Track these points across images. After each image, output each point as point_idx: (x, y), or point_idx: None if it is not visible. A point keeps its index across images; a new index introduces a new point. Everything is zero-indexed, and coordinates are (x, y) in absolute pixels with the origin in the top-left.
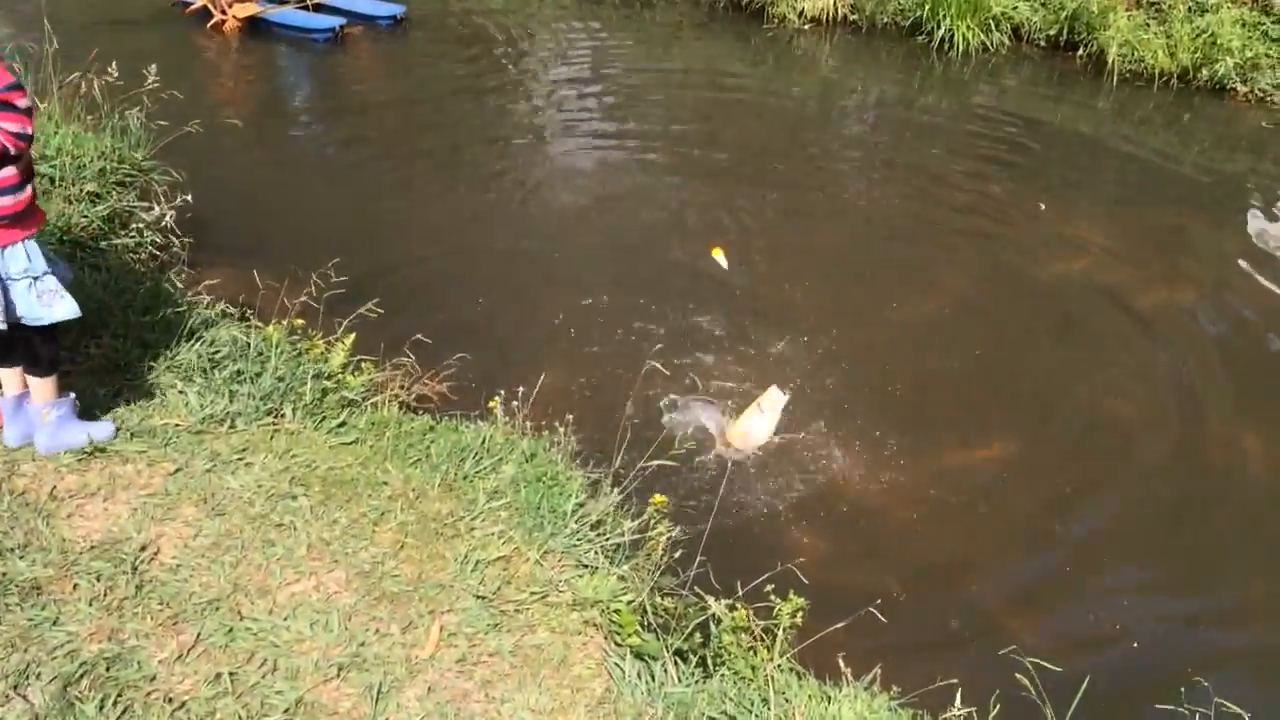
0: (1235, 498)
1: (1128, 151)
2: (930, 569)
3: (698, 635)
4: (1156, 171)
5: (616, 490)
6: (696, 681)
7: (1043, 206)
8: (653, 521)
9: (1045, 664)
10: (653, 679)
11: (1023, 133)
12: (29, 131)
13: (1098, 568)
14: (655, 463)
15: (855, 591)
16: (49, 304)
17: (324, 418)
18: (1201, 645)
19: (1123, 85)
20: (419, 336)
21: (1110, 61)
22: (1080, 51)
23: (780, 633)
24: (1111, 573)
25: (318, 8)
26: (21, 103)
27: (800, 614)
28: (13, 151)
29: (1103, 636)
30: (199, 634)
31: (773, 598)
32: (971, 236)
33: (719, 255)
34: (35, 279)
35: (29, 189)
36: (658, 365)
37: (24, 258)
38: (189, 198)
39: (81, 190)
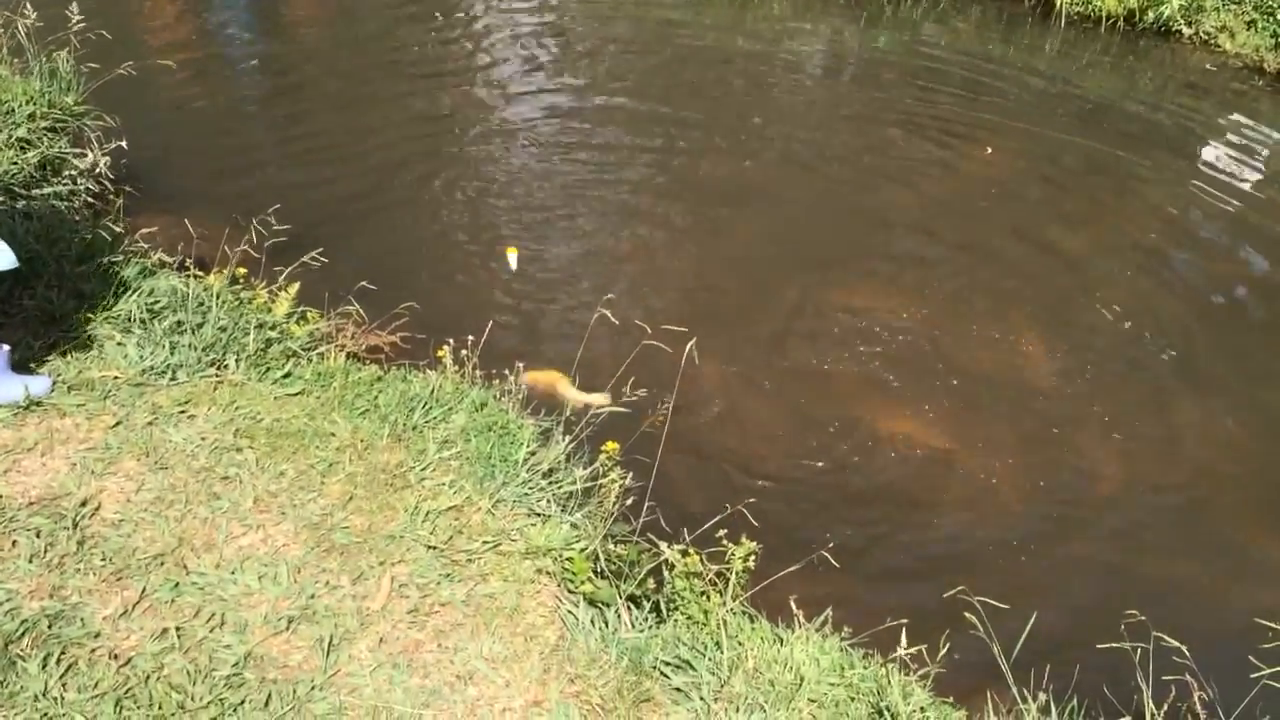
0: (1183, 451)
1: (1075, 93)
2: (881, 513)
3: (651, 581)
4: (1102, 111)
5: (568, 439)
6: (650, 627)
7: (989, 150)
8: (604, 469)
9: (993, 603)
10: (606, 626)
11: (971, 75)
12: None
13: (1043, 512)
14: (605, 409)
15: (807, 535)
16: None
17: (268, 369)
18: (1140, 583)
19: (1070, 28)
20: (365, 284)
21: (1058, 4)
22: None
23: (733, 577)
24: (1056, 516)
25: None
26: None
27: (752, 558)
28: None
29: (1049, 577)
30: (144, 589)
31: (725, 543)
32: (918, 177)
33: (511, 255)
34: None
35: None
36: (608, 314)
37: None
38: (123, 143)
39: (10, 136)
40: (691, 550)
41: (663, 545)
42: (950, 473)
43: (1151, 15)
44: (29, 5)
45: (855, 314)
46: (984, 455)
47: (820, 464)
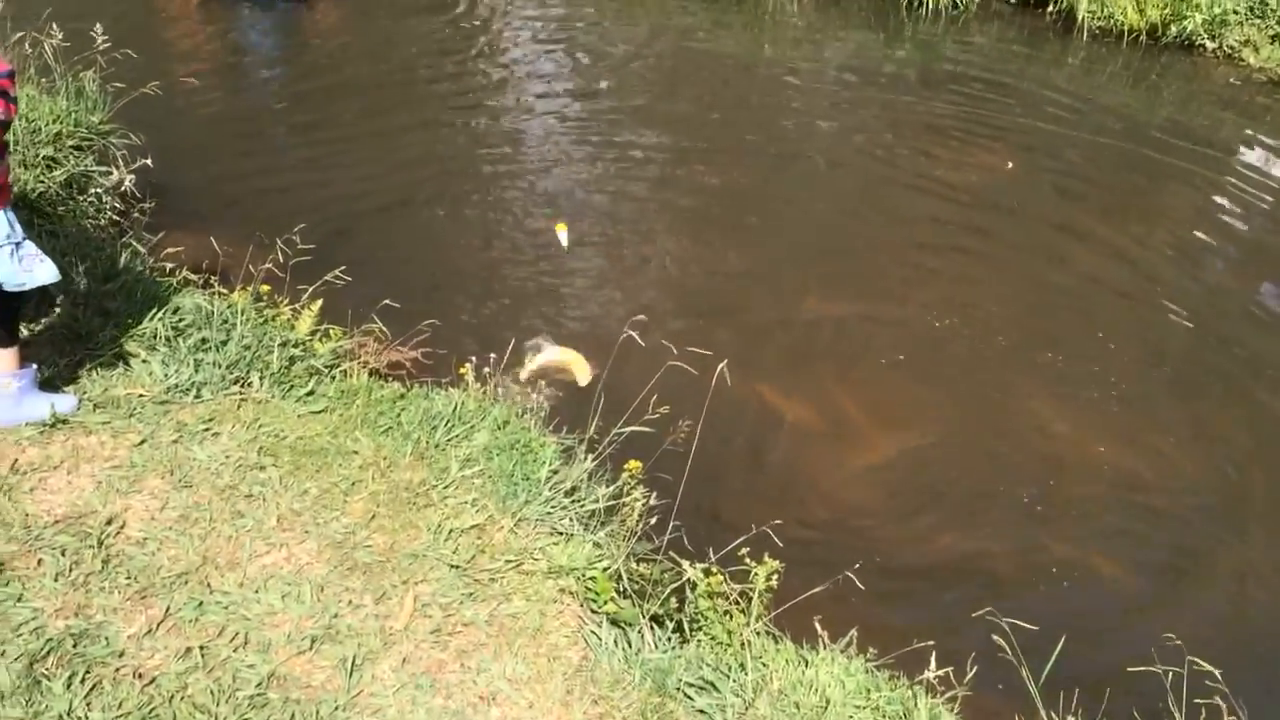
0: (1217, 476)
1: (1098, 107)
2: (907, 533)
3: (674, 601)
4: (1125, 125)
5: (591, 456)
6: (673, 647)
7: (1010, 165)
8: (627, 487)
9: (1022, 624)
10: (629, 646)
11: (992, 89)
12: (11, 119)
13: (1073, 534)
14: (629, 429)
15: (832, 555)
16: (29, 268)
17: (292, 386)
18: (1175, 605)
19: (1092, 42)
20: (388, 302)
21: (1080, 18)
22: (1050, 8)
23: (756, 597)
24: (1088, 539)
25: None
26: (13, 91)
27: (775, 577)
28: None
29: (1079, 598)
30: (168, 608)
31: (748, 561)
32: (940, 190)
33: (562, 231)
34: (16, 245)
35: (7, 161)
36: (635, 335)
37: (6, 225)
38: (149, 161)
39: (37, 155)
40: (715, 569)
41: (685, 564)
42: (978, 491)
43: (1174, 29)
44: (55, 25)
45: (880, 326)
46: (1011, 472)
47: (845, 483)
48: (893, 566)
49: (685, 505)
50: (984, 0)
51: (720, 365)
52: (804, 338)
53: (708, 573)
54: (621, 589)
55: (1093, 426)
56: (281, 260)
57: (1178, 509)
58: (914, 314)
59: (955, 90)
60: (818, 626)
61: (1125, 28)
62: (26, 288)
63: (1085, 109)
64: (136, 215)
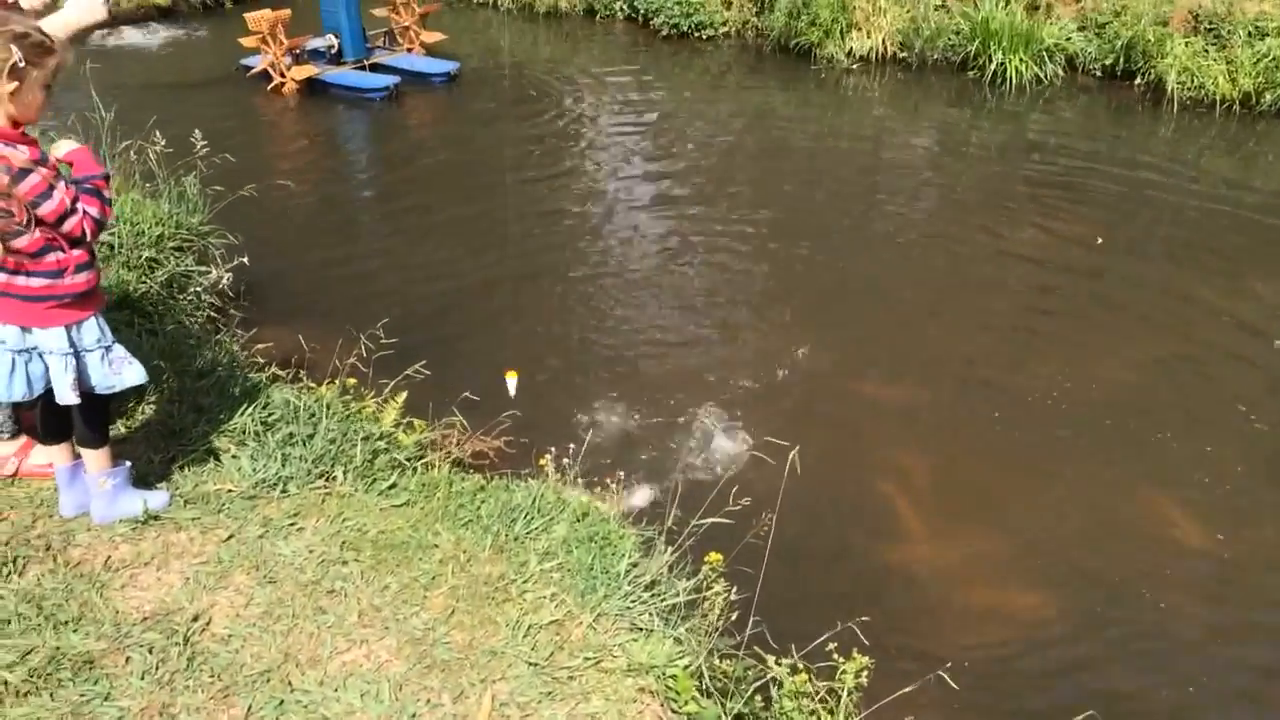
0: None
1: (1190, 180)
2: (1004, 632)
3: (758, 699)
4: (1223, 192)
5: (670, 549)
6: None
7: (1100, 240)
8: (708, 580)
9: None
10: None
11: (1080, 165)
12: (108, 221)
13: (1180, 628)
14: (708, 520)
15: (923, 653)
16: (119, 370)
17: (375, 480)
18: None
19: (1183, 113)
20: (468, 394)
21: (1169, 89)
22: (1138, 80)
23: (845, 695)
24: (1197, 632)
25: (374, 67)
26: (107, 193)
27: (865, 674)
28: (88, 237)
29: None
30: (249, 707)
31: (836, 657)
32: (1025, 269)
33: (511, 379)
34: (107, 349)
35: (97, 266)
36: (708, 422)
37: (97, 330)
38: (245, 260)
39: (140, 257)
40: (800, 666)
41: (770, 660)
42: (1095, 593)
43: (1269, 97)
44: (158, 132)
45: (977, 408)
46: (1132, 576)
47: (940, 577)
48: (992, 668)
49: (768, 598)
50: (1069, 74)
51: (792, 453)
52: (898, 423)
53: (794, 670)
54: (703, 687)
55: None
56: (365, 355)
57: None
58: (1014, 394)
59: (1043, 164)
60: None
61: (1217, 97)
62: (116, 390)
63: (1180, 178)
64: (232, 312)
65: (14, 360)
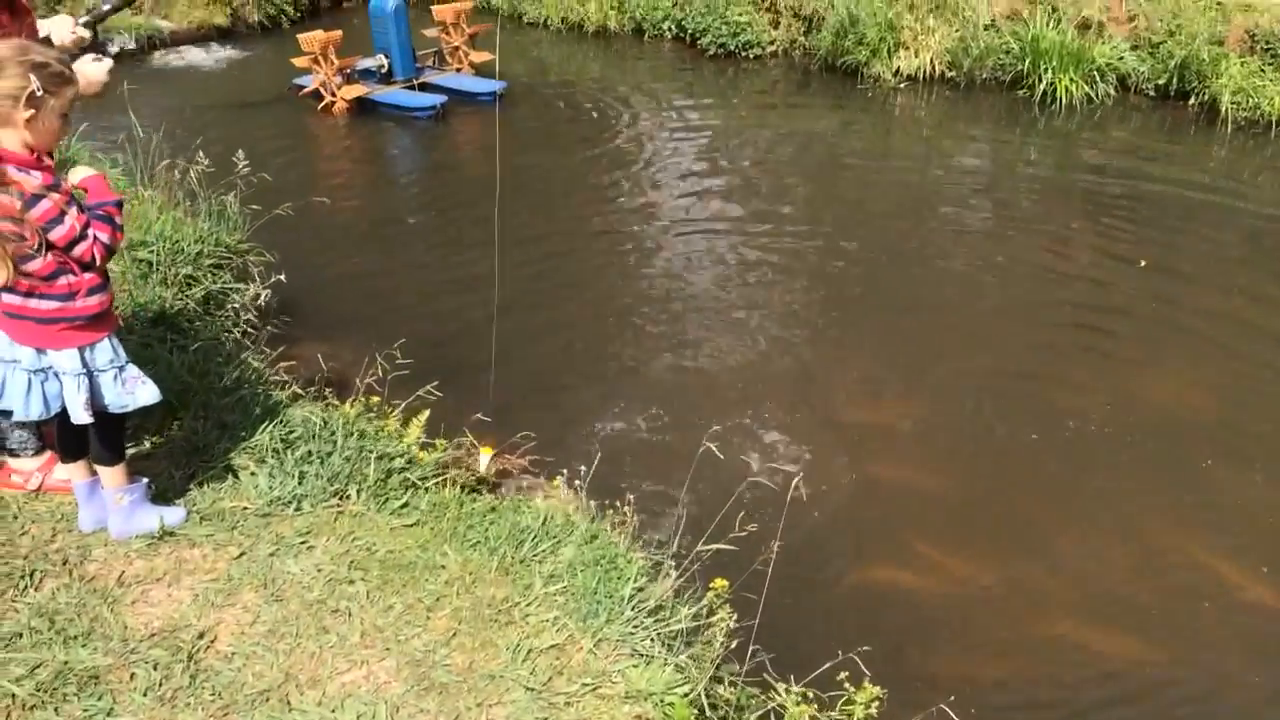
0: None
1: (1243, 202)
2: (1011, 669)
3: None
4: (1273, 220)
5: (675, 575)
6: None
7: (1143, 263)
8: (713, 607)
9: None
10: None
11: (1131, 185)
12: (117, 246)
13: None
14: (713, 547)
15: (925, 685)
16: (132, 390)
17: (388, 499)
18: None
19: (1238, 133)
20: (479, 416)
21: (1223, 110)
22: (1191, 100)
23: None
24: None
25: (423, 87)
26: (119, 219)
27: (876, 705)
28: (98, 262)
29: None
30: None
31: (847, 686)
32: (1074, 300)
33: (484, 456)
34: (120, 369)
35: (110, 289)
36: (713, 448)
37: (110, 351)
38: (282, 277)
39: (177, 274)
40: (810, 696)
41: (779, 686)
42: (1106, 621)
43: None
44: (202, 153)
45: (1014, 431)
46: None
47: (942, 608)
48: (1000, 704)
49: (771, 627)
50: (1121, 94)
51: (796, 479)
52: (931, 446)
53: (805, 698)
54: (703, 716)
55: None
56: (385, 372)
57: None
58: (1053, 417)
59: (1093, 184)
60: None
61: (1274, 117)
62: (129, 409)
63: (1234, 199)
64: (267, 328)
65: (30, 380)
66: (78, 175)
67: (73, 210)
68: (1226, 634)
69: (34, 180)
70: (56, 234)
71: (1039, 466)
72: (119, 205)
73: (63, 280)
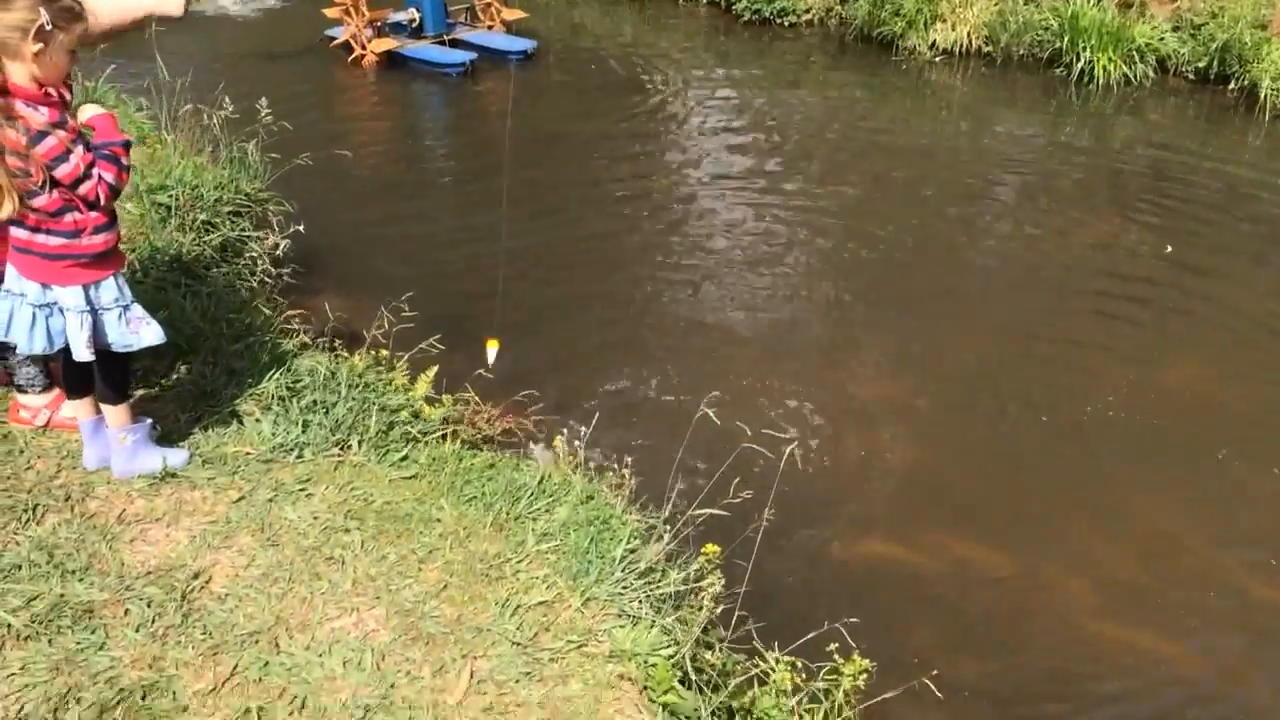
0: None
1: (1276, 190)
2: (986, 638)
3: (746, 695)
4: None
5: (667, 538)
6: None
7: (1169, 249)
8: (704, 572)
9: None
10: None
11: (1164, 169)
12: (122, 186)
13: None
14: (706, 511)
15: (908, 659)
16: (136, 330)
17: (388, 451)
18: None
19: (1276, 121)
20: (480, 372)
21: (1263, 96)
22: (1231, 85)
23: (840, 695)
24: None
25: (453, 43)
26: (125, 160)
27: (864, 677)
28: (102, 201)
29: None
30: (235, 666)
31: (836, 658)
32: (1099, 282)
33: (491, 349)
34: (125, 308)
35: (117, 228)
36: (710, 413)
37: (115, 289)
38: (301, 228)
39: (195, 220)
40: (783, 663)
41: (769, 654)
42: (1104, 611)
43: None
44: (228, 99)
45: (1008, 423)
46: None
47: (938, 587)
48: (978, 679)
49: (765, 595)
50: (1160, 76)
51: (790, 447)
52: (934, 425)
53: (792, 666)
54: (687, 679)
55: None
56: (388, 326)
57: None
58: (1069, 401)
59: (1125, 167)
60: None
61: None
62: (133, 349)
63: (1268, 188)
64: (283, 277)
65: (34, 314)
66: (86, 114)
67: (78, 148)
68: (1231, 626)
69: (40, 116)
70: (61, 171)
71: (1051, 451)
72: (126, 146)
73: (69, 217)
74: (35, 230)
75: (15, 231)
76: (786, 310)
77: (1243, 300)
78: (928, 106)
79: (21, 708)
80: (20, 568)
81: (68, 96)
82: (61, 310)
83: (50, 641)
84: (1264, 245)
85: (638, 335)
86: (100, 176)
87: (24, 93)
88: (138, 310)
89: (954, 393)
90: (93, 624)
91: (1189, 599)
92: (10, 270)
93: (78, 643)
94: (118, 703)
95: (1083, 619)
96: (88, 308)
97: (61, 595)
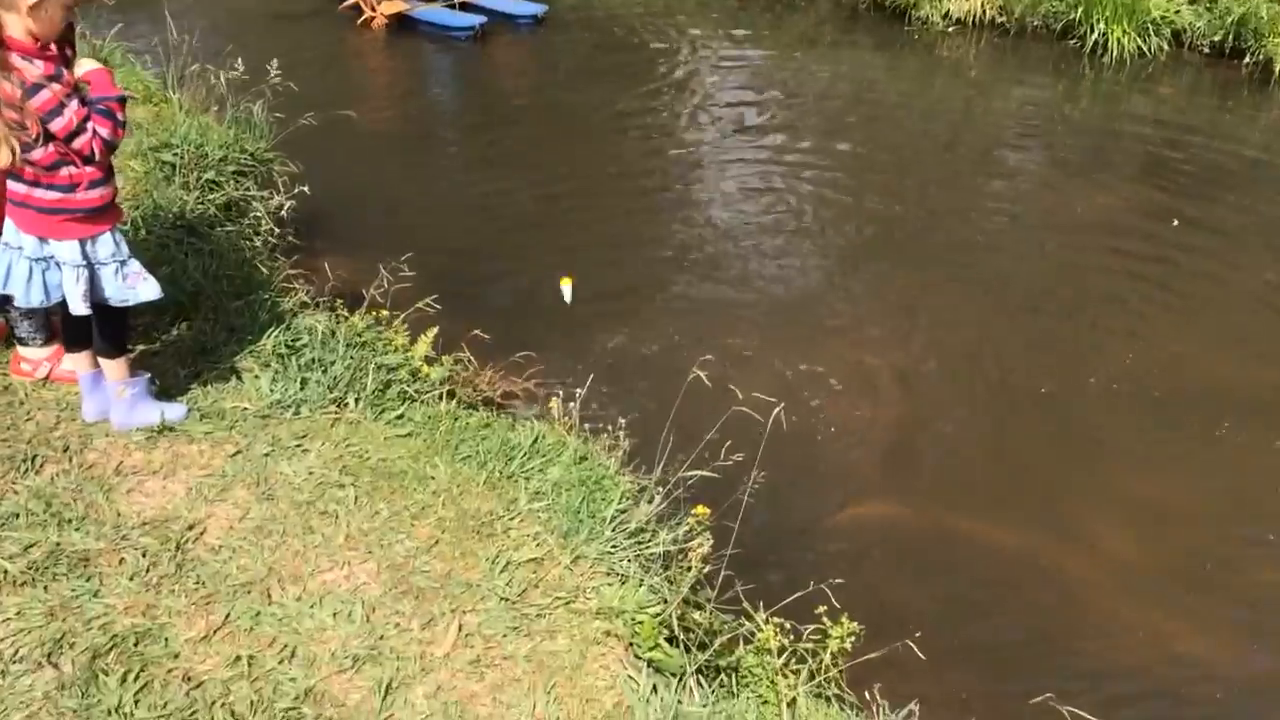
0: None
1: None
2: (973, 605)
3: (732, 654)
4: None
5: (658, 499)
6: (715, 701)
7: (1175, 223)
8: (694, 533)
9: (1084, 715)
10: (672, 693)
11: (1177, 142)
12: (117, 142)
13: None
14: (695, 473)
15: (892, 623)
16: (133, 285)
17: (384, 409)
18: None
19: None
20: (477, 332)
21: (1278, 71)
22: (1246, 60)
23: (828, 656)
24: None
25: (463, 6)
26: (121, 116)
27: (851, 639)
28: (97, 156)
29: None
30: (227, 615)
31: (825, 620)
32: (1107, 255)
33: (566, 286)
34: (122, 263)
35: (114, 183)
36: (702, 375)
37: (112, 244)
38: (306, 189)
39: (199, 179)
40: (770, 624)
41: (757, 614)
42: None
43: None
44: (240, 60)
45: (1011, 393)
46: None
47: (929, 554)
48: (960, 640)
49: (744, 556)
50: (1175, 49)
51: (777, 409)
52: (934, 393)
53: (781, 629)
54: (674, 637)
55: None
56: (386, 286)
57: None
58: (1070, 371)
59: (1138, 140)
60: (877, 695)
61: None
62: (130, 303)
63: (1273, 168)
64: (287, 238)
65: (31, 268)
66: (83, 69)
67: (73, 103)
68: (1228, 601)
69: (35, 69)
70: (56, 125)
71: (1050, 421)
72: (122, 101)
73: (64, 172)
74: (32, 184)
75: (13, 185)
76: (788, 276)
77: (1249, 275)
78: (940, 77)
79: (16, 651)
80: (18, 516)
81: (69, 53)
82: (58, 264)
83: (46, 588)
84: (1273, 221)
85: (644, 299)
86: (95, 131)
87: (19, 46)
88: (135, 265)
89: (954, 361)
90: (88, 572)
91: (1185, 573)
92: (8, 224)
93: (73, 590)
94: (111, 648)
95: (1075, 590)
96: (84, 262)
97: (58, 543)
